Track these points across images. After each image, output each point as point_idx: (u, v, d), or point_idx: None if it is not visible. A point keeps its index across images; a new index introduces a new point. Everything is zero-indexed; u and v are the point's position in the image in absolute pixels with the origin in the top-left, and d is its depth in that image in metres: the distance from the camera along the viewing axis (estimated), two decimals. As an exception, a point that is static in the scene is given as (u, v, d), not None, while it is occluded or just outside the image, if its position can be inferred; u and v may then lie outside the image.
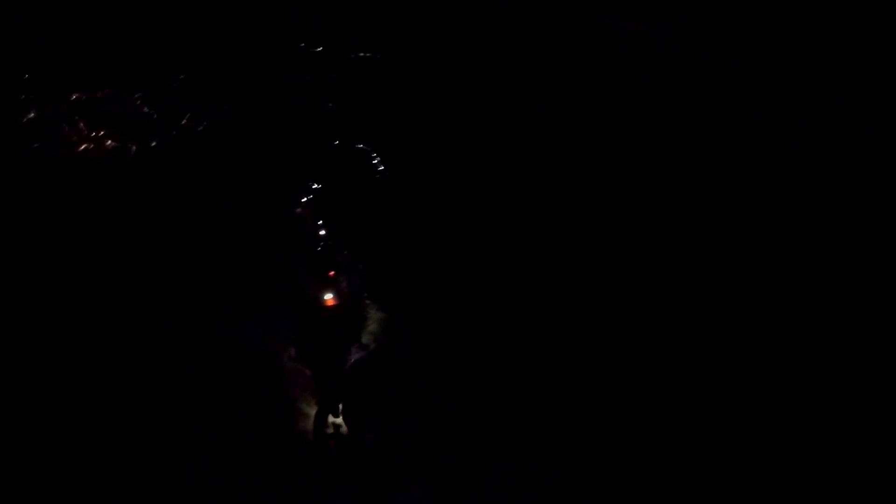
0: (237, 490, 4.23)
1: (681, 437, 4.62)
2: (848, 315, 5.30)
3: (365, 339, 5.53)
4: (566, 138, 7.67)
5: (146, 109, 7.94)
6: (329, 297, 5.18)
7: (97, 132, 7.90)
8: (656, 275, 6.20)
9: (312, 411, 4.92)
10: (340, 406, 4.68)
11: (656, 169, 7.11)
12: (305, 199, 8.52)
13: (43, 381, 4.89)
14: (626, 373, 5.24)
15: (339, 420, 4.73)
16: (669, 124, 6.79)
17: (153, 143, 8.05)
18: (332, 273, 5.31)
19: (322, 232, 7.52)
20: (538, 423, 4.92)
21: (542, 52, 7.18)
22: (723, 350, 5.20)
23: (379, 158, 8.35)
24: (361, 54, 7.70)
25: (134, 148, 8.03)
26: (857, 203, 6.35)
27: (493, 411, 5.05)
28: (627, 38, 6.20)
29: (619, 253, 6.56)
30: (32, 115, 7.86)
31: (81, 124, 7.91)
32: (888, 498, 4.05)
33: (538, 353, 5.63)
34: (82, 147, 7.83)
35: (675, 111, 6.72)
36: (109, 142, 7.98)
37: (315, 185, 8.74)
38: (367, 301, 5.89)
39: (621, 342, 5.54)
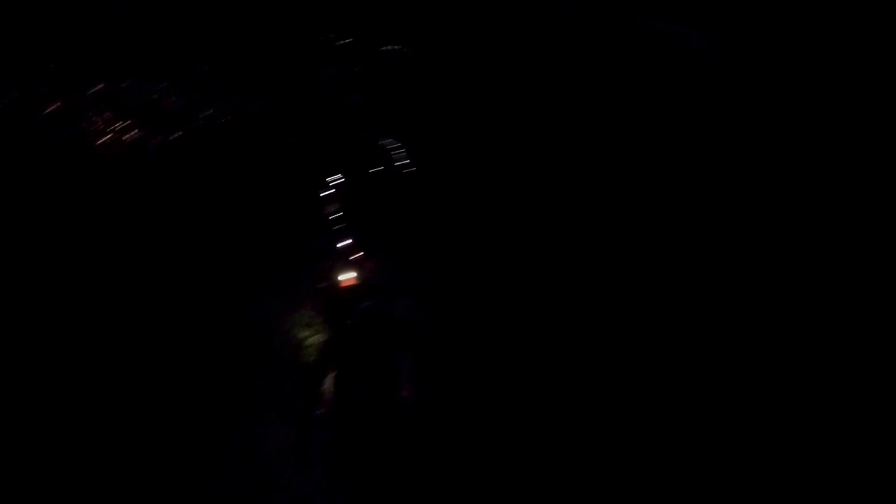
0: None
1: (682, 437, 4.61)
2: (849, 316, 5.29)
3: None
4: (594, 136, 7.59)
5: (170, 100, 7.87)
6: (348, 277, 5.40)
7: (121, 123, 7.83)
8: (685, 273, 6.14)
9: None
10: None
11: (687, 171, 7.03)
12: (330, 191, 8.43)
13: (71, 354, 4.91)
14: (632, 369, 5.24)
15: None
16: (702, 126, 6.74)
17: (177, 135, 7.97)
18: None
19: (342, 224, 7.47)
20: (538, 395, 4.94)
21: (571, 48, 7.07)
22: (726, 351, 5.19)
23: (405, 152, 8.25)
24: (389, 47, 7.59)
25: (157, 139, 7.96)
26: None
27: (494, 391, 5.05)
28: (663, 38, 6.09)
29: (643, 254, 6.49)
30: (55, 106, 7.79)
31: (105, 115, 7.84)
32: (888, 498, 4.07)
33: (545, 337, 5.63)
34: (105, 138, 7.77)
35: (708, 113, 6.66)
36: (133, 133, 7.91)
37: (340, 178, 8.63)
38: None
39: (635, 339, 5.52)
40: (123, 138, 7.89)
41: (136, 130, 8.01)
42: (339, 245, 7.08)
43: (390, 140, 8.61)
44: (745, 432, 4.49)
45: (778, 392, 4.84)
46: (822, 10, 5.31)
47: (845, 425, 4.51)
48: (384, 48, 7.55)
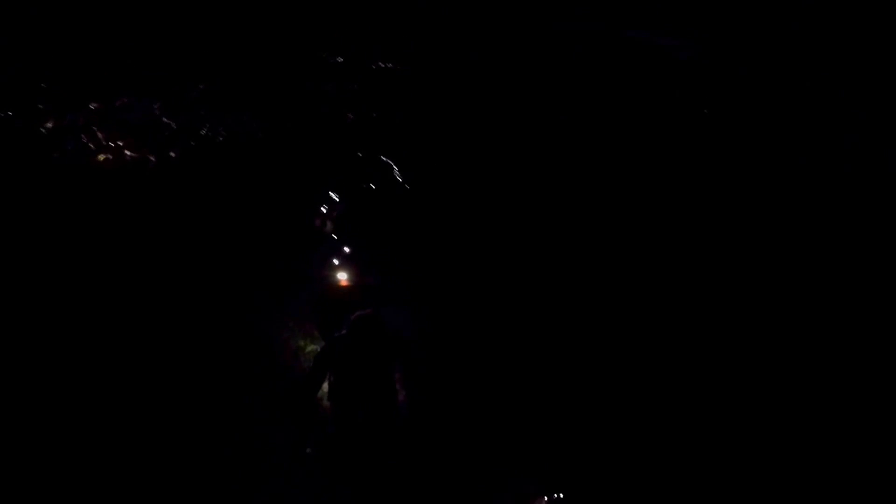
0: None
1: (680, 439, 4.62)
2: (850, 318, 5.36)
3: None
4: (590, 152, 7.70)
5: (165, 119, 7.91)
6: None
7: (116, 142, 7.86)
8: (676, 286, 6.19)
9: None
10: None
11: (680, 183, 7.13)
12: (325, 209, 8.47)
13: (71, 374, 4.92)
14: (629, 374, 5.27)
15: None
16: (694, 138, 6.88)
17: (172, 153, 8.00)
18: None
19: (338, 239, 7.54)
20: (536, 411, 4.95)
21: (566, 64, 7.22)
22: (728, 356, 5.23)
23: (400, 170, 8.32)
24: (384, 64, 7.70)
25: (153, 158, 7.99)
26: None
27: (490, 403, 5.07)
28: (655, 51, 6.24)
29: (637, 268, 6.55)
30: (50, 125, 7.82)
31: (100, 134, 7.87)
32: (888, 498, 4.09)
33: (542, 341, 5.67)
34: (101, 157, 7.79)
35: (701, 125, 6.80)
36: (128, 152, 7.93)
37: (335, 196, 8.69)
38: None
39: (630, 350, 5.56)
40: (118, 157, 7.91)
41: (132, 149, 8.04)
42: (334, 258, 7.12)
43: (385, 158, 8.68)
44: (734, 431, 4.49)
45: (779, 403, 4.85)
46: (806, 21, 5.49)
47: (842, 438, 4.52)
48: (379, 66, 7.67)
